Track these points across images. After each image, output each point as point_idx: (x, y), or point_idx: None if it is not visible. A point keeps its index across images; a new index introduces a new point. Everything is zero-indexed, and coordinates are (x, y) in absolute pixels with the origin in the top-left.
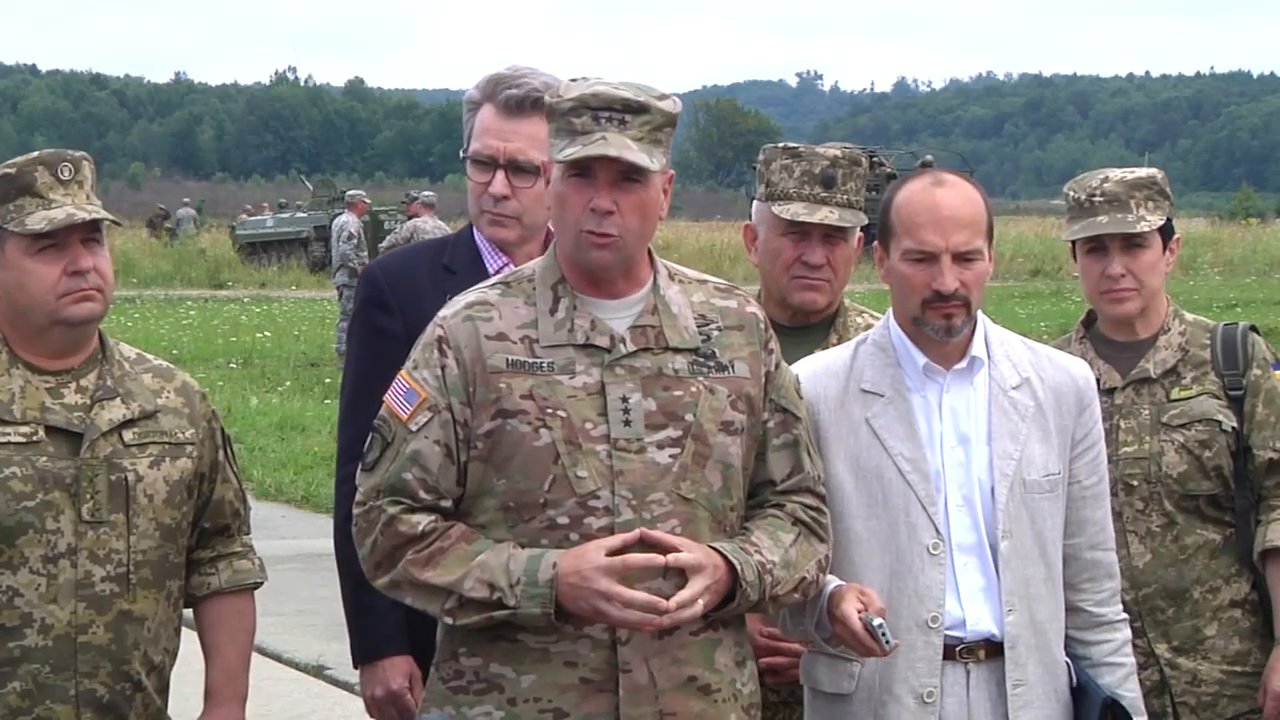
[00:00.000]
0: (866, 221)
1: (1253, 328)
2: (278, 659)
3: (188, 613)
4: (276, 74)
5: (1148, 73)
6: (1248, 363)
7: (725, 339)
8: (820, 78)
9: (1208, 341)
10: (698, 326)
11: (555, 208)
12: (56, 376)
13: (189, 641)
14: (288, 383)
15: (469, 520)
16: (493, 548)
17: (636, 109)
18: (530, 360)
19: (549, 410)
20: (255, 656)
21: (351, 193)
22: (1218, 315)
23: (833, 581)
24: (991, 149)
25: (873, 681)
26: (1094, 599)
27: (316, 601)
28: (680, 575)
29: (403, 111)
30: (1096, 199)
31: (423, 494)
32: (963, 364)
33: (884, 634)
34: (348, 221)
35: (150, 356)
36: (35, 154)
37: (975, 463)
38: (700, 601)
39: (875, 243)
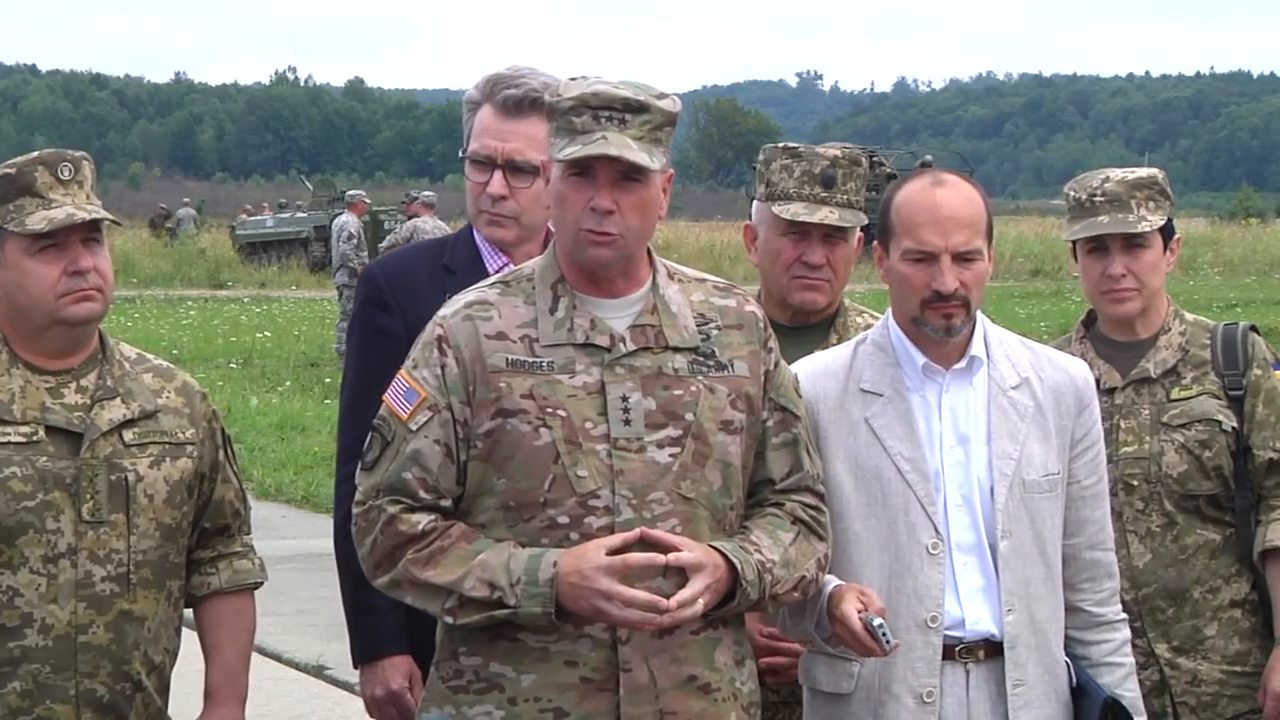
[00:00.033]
0: (866, 221)
1: (1253, 328)
2: (278, 659)
3: (188, 613)
4: (276, 74)
5: (1148, 73)
6: (1248, 363)
7: (724, 338)
8: (820, 78)
9: (1208, 341)
10: (697, 326)
11: (555, 207)
12: (57, 376)
13: (189, 641)
14: (288, 383)
15: (469, 519)
16: (493, 547)
17: (636, 108)
18: (530, 359)
19: (549, 410)
20: (255, 656)
21: (351, 193)
22: (1218, 315)
23: (832, 581)
24: (991, 149)
25: (872, 681)
26: (1093, 599)
27: (316, 601)
28: (680, 574)
29: (403, 111)
30: (1097, 199)
31: (423, 493)
32: (962, 364)
33: (884, 634)
34: (348, 221)
35: (150, 356)
36: (35, 154)
37: (974, 462)
38: (701, 600)
39: (875, 242)
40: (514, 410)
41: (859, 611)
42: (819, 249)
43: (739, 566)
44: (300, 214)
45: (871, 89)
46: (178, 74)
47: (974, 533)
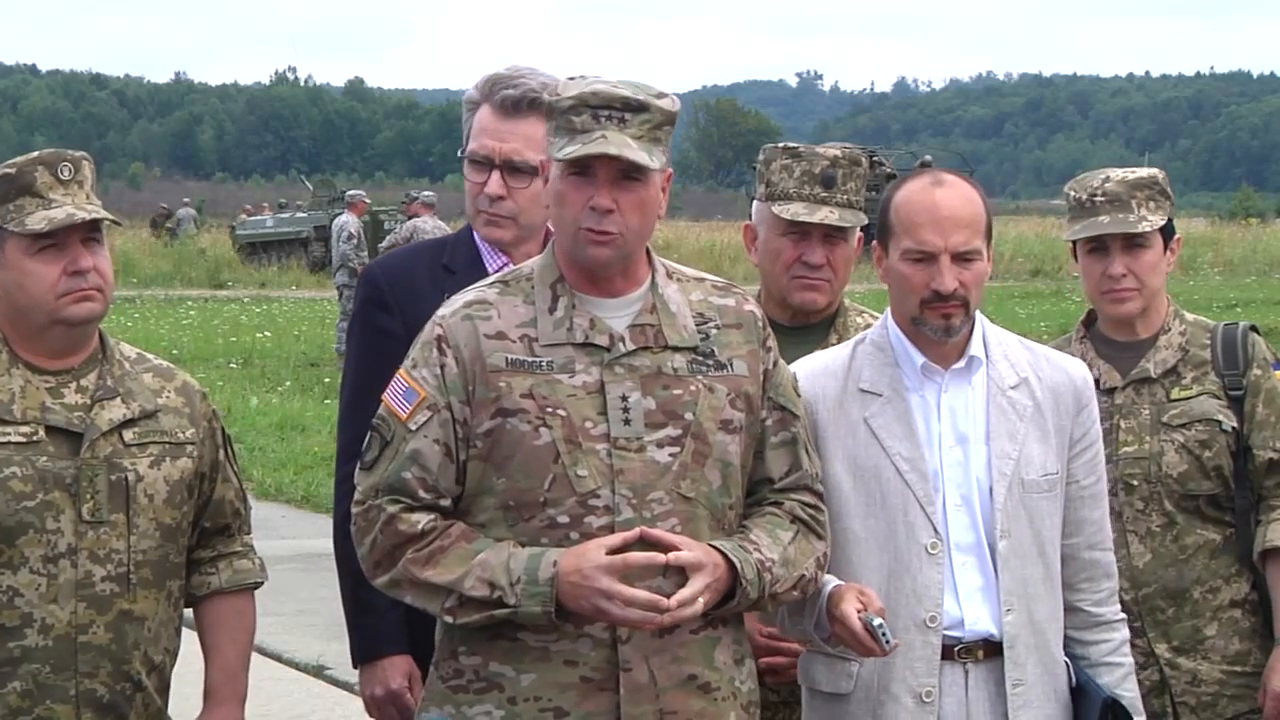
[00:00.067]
0: (866, 221)
1: (1253, 328)
2: (278, 659)
3: (188, 612)
4: (276, 74)
5: (1148, 73)
6: (1248, 363)
7: (724, 337)
8: (820, 78)
9: (1208, 341)
10: (696, 325)
11: (554, 206)
12: (57, 376)
13: (189, 641)
14: (288, 383)
15: (468, 519)
16: (493, 546)
17: (636, 107)
18: (530, 359)
19: (549, 409)
20: (255, 656)
21: (351, 193)
22: (1218, 315)
23: (831, 581)
24: (991, 149)
25: (871, 681)
26: (1092, 599)
27: (316, 601)
28: (680, 574)
29: (403, 111)
30: (1098, 199)
31: (422, 493)
32: (961, 364)
33: (884, 634)
34: (348, 221)
35: (150, 356)
36: (35, 154)
37: (973, 462)
38: (701, 600)
39: (874, 242)
40: (514, 410)
41: (858, 611)
42: (819, 249)
43: (738, 565)
44: (300, 214)
45: (871, 89)
46: (178, 74)
47: (973, 532)
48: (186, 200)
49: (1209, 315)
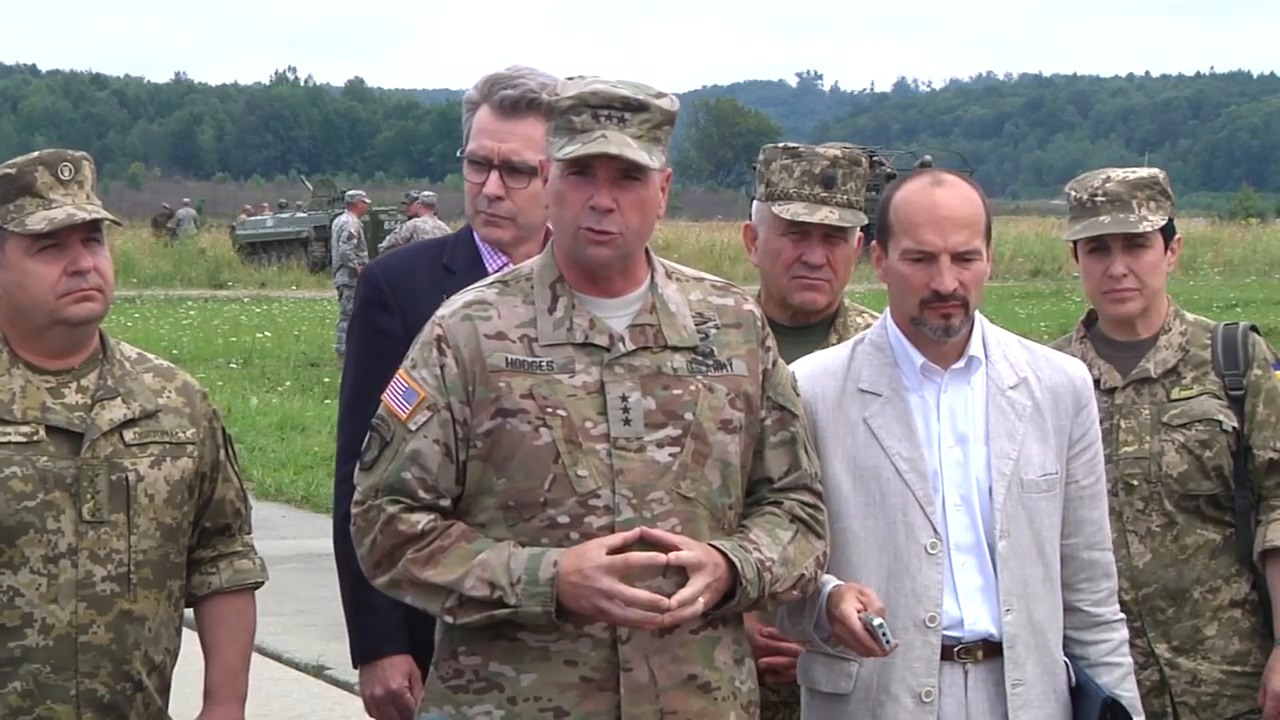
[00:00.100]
0: (866, 221)
1: (1253, 328)
2: (278, 659)
3: (188, 612)
4: (276, 74)
5: (1148, 73)
6: (1248, 363)
7: (723, 337)
8: (820, 78)
9: (1208, 341)
10: (695, 325)
11: (553, 206)
12: (57, 376)
13: (189, 641)
14: (288, 383)
15: (468, 519)
16: (493, 546)
17: (636, 107)
18: (529, 359)
19: (549, 409)
20: (255, 656)
21: (351, 193)
22: (1218, 315)
23: (831, 581)
24: (991, 149)
25: (870, 681)
26: (1091, 599)
27: (316, 601)
28: (680, 574)
29: (403, 111)
30: (1098, 199)
31: (422, 493)
32: (960, 364)
33: (884, 634)
34: (348, 221)
35: (151, 356)
36: (35, 154)
37: (973, 462)
38: (701, 599)
39: (873, 242)
40: (514, 410)
41: (858, 611)
42: (819, 249)
43: (738, 565)
44: (300, 214)
45: (871, 89)
46: (178, 74)
47: (972, 532)
48: (186, 200)
49: (1209, 315)
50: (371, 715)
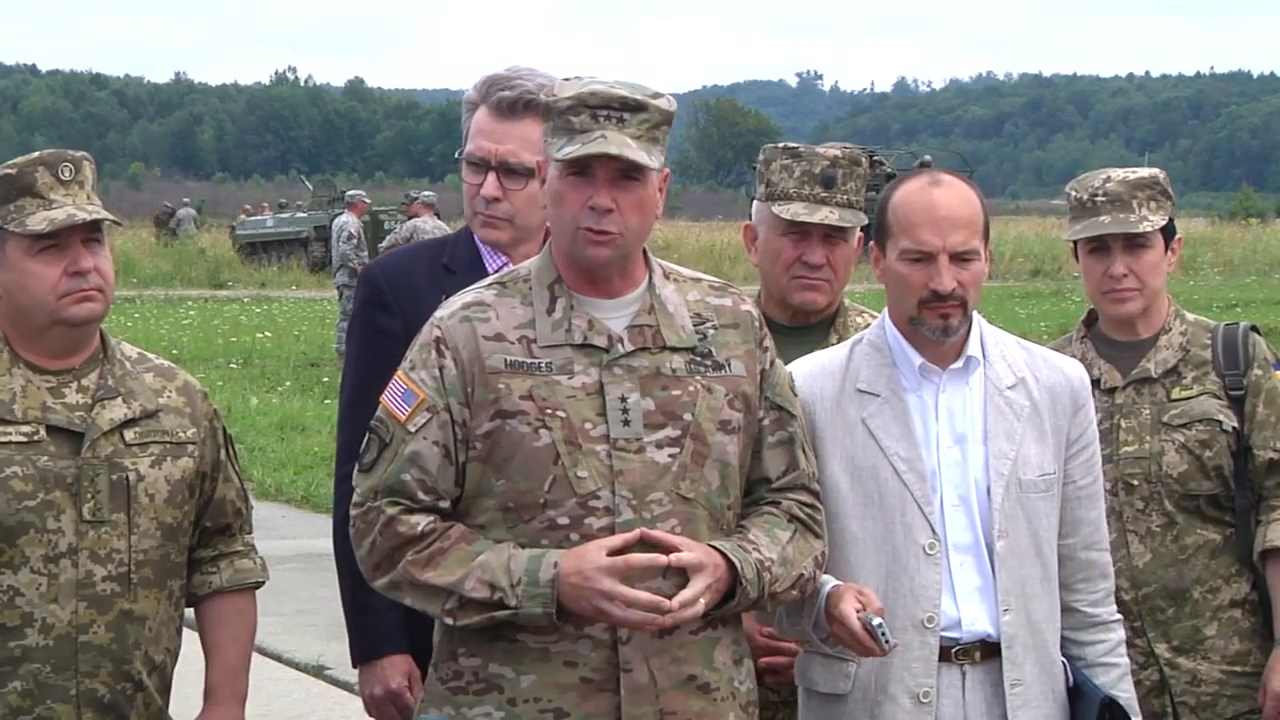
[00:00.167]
0: (866, 221)
1: (1253, 328)
2: (278, 659)
3: (189, 612)
4: (276, 74)
5: (1148, 73)
6: (1248, 363)
7: (721, 337)
8: (820, 78)
9: (1208, 341)
10: (694, 325)
11: (552, 206)
12: (58, 376)
13: (189, 641)
14: (288, 383)
15: (468, 521)
16: (493, 548)
17: (634, 107)
18: (529, 360)
19: (548, 410)
20: (255, 656)
21: (351, 193)
22: (1218, 315)
23: (830, 581)
24: (991, 149)
25: (868, 682)
26: (1088, 599)
27: (316, 601)
28: (680, 574)
29: (403, 111)
30: (1099, 199)
31: (421, 495)
32: (959, 364)
33: (883, 634)
34: (348, 221)
35: (151, 356)
36: (36, 154)
37: (971, 462)
38: (702, 600)
39: (872, 243)
40: (513, 411)
41: (857, 611)
42: (819, 249)
43: (738, 565)
44: (300, 214)
45: (871, 89)
46: (178, 74)
47: (971, 533)
48: (186, 200)
49: (1209, 315)
50: (371, 715)
